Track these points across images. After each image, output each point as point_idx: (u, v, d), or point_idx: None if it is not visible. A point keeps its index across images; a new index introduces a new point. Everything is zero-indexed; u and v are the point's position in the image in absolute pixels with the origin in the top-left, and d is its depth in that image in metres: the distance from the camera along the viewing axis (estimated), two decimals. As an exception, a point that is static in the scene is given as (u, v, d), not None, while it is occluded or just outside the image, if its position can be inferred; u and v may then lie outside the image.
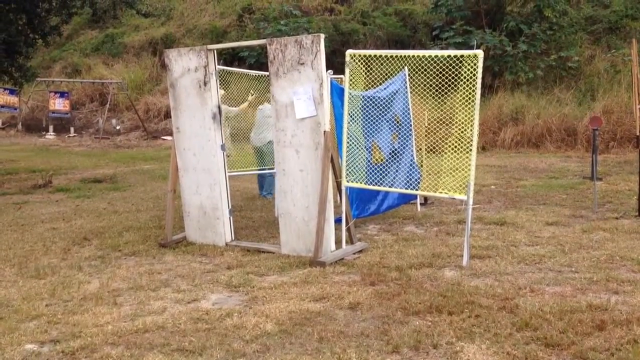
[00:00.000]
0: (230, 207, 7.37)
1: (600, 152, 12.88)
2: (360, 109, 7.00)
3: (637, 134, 9.40)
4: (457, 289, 5.34)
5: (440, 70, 6.27)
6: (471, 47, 6.74)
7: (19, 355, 4.29)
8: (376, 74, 7.12)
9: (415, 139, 8.63)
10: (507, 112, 16.76)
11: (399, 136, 8.05)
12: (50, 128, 23.07)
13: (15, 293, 5.65)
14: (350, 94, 6.71)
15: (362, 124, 7.08)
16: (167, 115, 20.72)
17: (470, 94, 5.97)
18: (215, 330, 4.62)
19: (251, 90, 9.71)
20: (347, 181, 6.75)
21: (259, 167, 9.86)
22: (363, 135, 7.11)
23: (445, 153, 6.34)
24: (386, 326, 4.59)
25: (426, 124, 8.42)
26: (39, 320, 4.96)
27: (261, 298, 5.32)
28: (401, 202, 8.59)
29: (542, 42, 18.39)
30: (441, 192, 6.36)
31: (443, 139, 6.68)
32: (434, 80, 6.44)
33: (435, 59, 6.30)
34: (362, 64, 6.67)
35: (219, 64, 7.38)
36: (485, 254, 6.49)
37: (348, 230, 6.80)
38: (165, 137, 20.76)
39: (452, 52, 6.22)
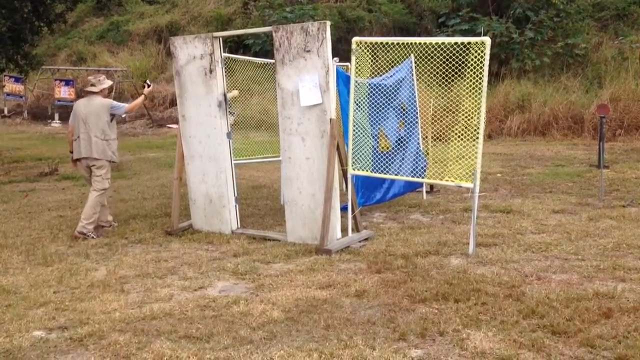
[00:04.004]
0: (236, 195, 7.37)
1: (607, 140, 12.80)
2: (366, 96, 6.98)
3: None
4: (464, 277, 5.35)
5: (447, 57, 6.23)
6: (478, 34, 6.70)
7: (27, 341, 4.33)
8: (382, 61, 7.08)
9: (421, 127, 8.60)
10: (514, 99, 16.66)
11: (405, 124, 8.03)
12: (56, 116, 23.08)
13: (23, 280, 5.68)
14: (356, 81, 6.68)
15: (368, 112, 7.06)
16: (173, 103, 20.69)
17: (476, 81, 5.94)
18: (222, 317, 4.65)
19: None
20: (353, 169, 6.74)
21: None
22: (369, 123, 7.09)
23: (452, 141, 6.32)
24: (392, 314, 4.60)
25: (432, 112, 8.39)
26: (46, 307, 4.99)
27: (267, 285, 5.34)
28: (407, 190, 8.57)
29: (549, 29, 18.25)
30: (447, 180, 6.35)
31: (449, 126, 6.65)
32: (441, 67, 6.41)
33: (442, 46, 6.26)
34: (368, 51, 6.63)
35: (224, 52, 7.35)
36: (491, 242, 6.48)
37: (354, 218, 6.80)
38: (170, 125, 20.76)
39: (459, 39, 6.18)
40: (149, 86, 7.88)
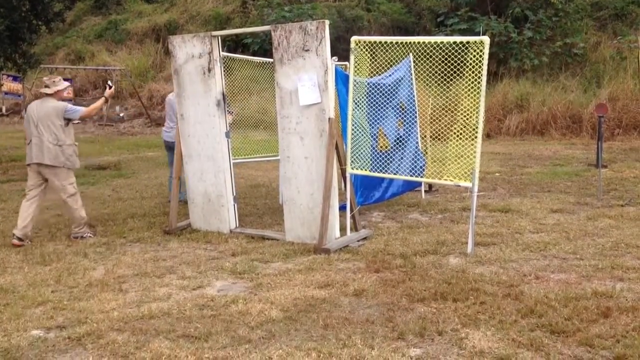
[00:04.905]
0: (234, 194, 7.37)
1: (606, 140, 12.82)
2: (365, 95, 6.97)
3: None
4: (462, 276, 5.34)
5: (446, 56, 6.23)
6: (476, 34, 6.70)
7: (25, 341, 4.32)
8: (381, 60, 7.08)
9: (419, 126, 8.60)
10: (512, 99, 16.66)
11: (404, 123, 8.03)
12: (54, 115, 23.03)
13: (21, 279, 5.68)
14: (355, 80, 6.68)
15: (367, 111, 7.06)
16: (171, 102, 20.65)
17: (475, 80, 5.94)
18: (221, 316, 4.64)
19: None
20: (352, 168, 6.73)
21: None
22: (368, 122, 7.09)
23: (450, 140, 6.32)
24: (391, 313, 4.60)
25: (431, 111, 8.39)
26: (44, 306, 4.99)
27: (266, 285, 5.33)
28: (406, 190, 8.57)
29: (548, 28, 18.26)
30: (446, 179, 6.35)
31: (448, 126, 6.65)
32: (439, 67, 6.40)
33: (440, 46, 6.26)
34: (366, 50, 6.63)
35: (222, 51, 7.34)
36: (489, 241, 6.49)
37: (352, 217, 6.79)
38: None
39: (458, 39, 6.17)
40: (110, 87, 7.45)
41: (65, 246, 6.84)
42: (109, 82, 7.66)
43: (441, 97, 8.15)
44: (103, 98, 7.41)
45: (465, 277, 5.31)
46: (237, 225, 7.37)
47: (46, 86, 7.11)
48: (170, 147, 8.57)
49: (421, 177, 7.42)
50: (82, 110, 7.27)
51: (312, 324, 4.44)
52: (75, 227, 7.17)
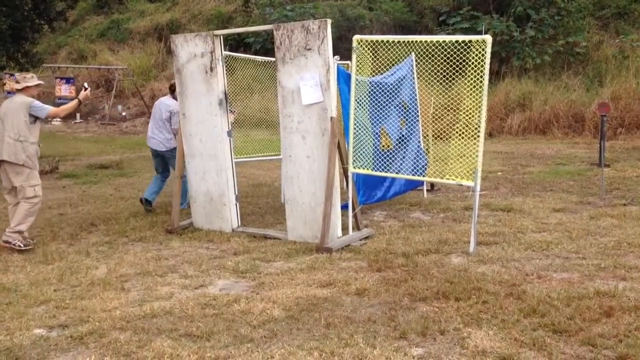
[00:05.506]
0: (236, 193, 7.37)
1: (608, 139, 12.79)
2: (367, 94, 6.97)
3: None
4: (464, 275, 5.34)
5: (448, 55, 6.23)
6: (478, 33, 6.69)
7: (27, 339, 4.32)
8: (383, 59, 7.08)
9: (421, 125, 8.59)
10: (514, 98, 16.66)
11: (406, 122, 8.02)
12: (56, 114, 23.03)
13: (23, 278, 5.68)
14: (357, 79, 6.67)
15: (369, 110, 7.06)
16: (173, 101, 20.65)
17: (477, 79, 5.93)
18: (223, 315, 4.64)
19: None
20: (354, 167, 6.73)
21: (161, 178, 8.61)
22: (370, 121, 7.09)
23: (452, 139, 6.32)
24: (393, 312, 4.60)
25: (433, 110, 8.38)
26: (47, 305, 4.99)
27: (268, 284, 5.33)
28: (408, 189, 8.57)
29: (550, 27, 18.24)
30: (448, 179, 6.35)
31: (450, 125, 6.64)
32: (441, 66, 6.40)
33: (442, 45, 6.25)
34: (368, 49, 6.63)
35: (224, 50, 7.34)
36: (492, 240, 6.48)
37: (354, 216, 6.79)
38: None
39: (460, 37, 6.17)
40: (85, 89, 7.24)
41: (68, 245, 6.85)
42: (85, 84, 7.48)
43: (443, 96, 8.14)
44: (77, 100, 7.20)
45: (468, 277, 5.30)
46: (239, 224, 7.37)
47: (17, 82, 6.94)
48: (158, 154, 8.48)
49: (423, 176, 7.43)
50: (49, 108, 6.93)
51: (314, 323, 4.44)
52: (8, 228, 6.65)
